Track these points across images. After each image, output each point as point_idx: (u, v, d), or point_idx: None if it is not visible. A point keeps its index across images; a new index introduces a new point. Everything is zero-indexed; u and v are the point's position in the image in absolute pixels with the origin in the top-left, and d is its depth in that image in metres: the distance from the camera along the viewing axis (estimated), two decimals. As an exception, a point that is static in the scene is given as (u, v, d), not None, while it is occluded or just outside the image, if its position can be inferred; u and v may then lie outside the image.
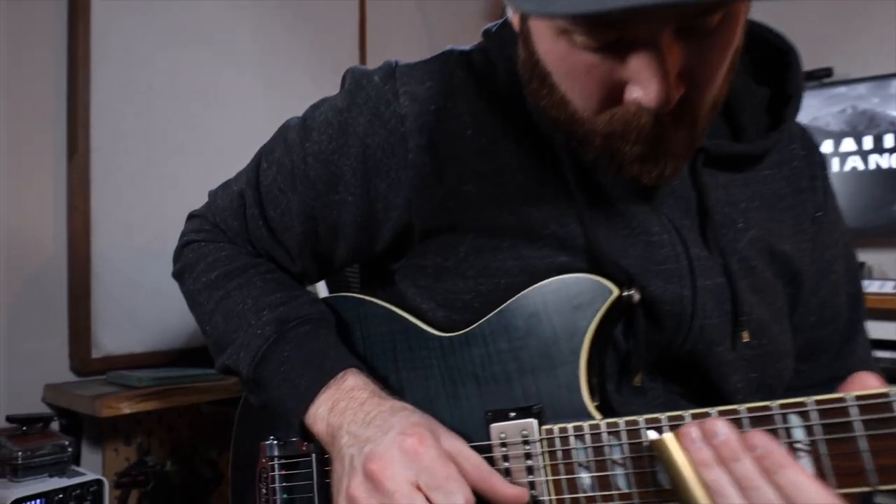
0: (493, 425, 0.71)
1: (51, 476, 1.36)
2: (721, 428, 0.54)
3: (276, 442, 0.84)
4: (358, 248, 0.85)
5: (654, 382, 0.75)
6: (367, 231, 0.83)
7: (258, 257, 0.91)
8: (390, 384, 0.80)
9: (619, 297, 0.68)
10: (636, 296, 0.69)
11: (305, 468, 0.82)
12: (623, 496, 0.62)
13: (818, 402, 0.54)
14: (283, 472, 0.84)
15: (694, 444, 0.55)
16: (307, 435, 0.78)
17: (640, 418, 0.62)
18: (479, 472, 0.66)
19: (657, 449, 0.57)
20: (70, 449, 1.41)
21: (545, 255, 0.73)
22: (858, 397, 0.52)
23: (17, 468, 1.33)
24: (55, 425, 1.60)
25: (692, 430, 0.56)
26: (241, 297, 0.85)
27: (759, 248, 0.77)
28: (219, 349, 0.86)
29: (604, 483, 0.63)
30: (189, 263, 0.92)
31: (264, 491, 0.85)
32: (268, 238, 0.88)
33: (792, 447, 0.54)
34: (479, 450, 0.71)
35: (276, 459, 0.84)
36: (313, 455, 0.81)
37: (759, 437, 0.54)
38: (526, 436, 0.68)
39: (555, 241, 0.73)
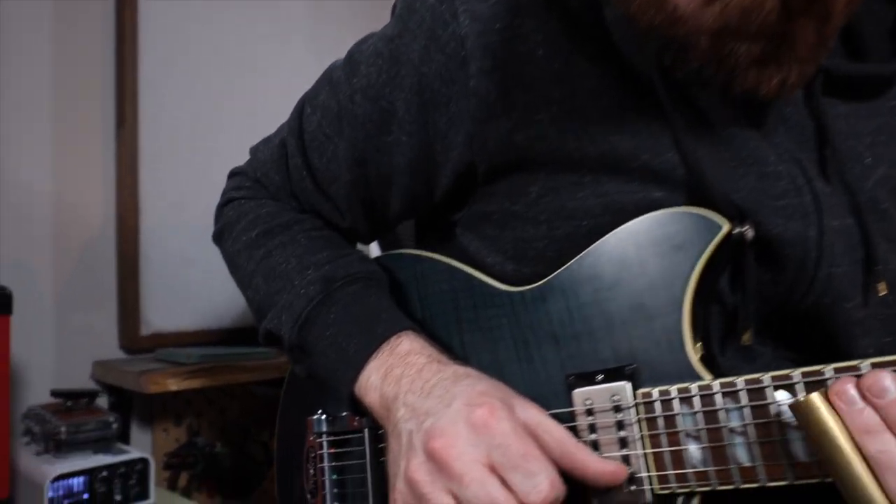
0: (577, 391, 0.60)
1: (95, 453, 1.30)
2: (891, 384, 0.42)
3: (324, 417, 0.76)
4: (414, 197, 0.75)
5: (764, 346, 0.63)
6: (424, 176, 0.73)
7: (303, 213, 0.82)
8: (453, 348, 0.70)
9: (730, 234, 0.56)
10: (750, 232, 0.57)
11: (357, 446, 0.73)
12: (745, 471, 0.50)
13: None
14: (333, 451, 0.75)
15: (853, 406, 0.43)
16: (358, 408, 0.68)
17: (765, 375, 0.50)
18: (563, 446, 0.55)
19: (800, 413, 0.44)
20: (115, 425, 1.35)
21: (635, 190, 0.61)
22: None
23: (60, 444, 1.27)
24: (103, 402, 1.56)
25: (848, 388, 0.43)
26: (285, 255, 0.76)
27: (891, 188, 0.64)
28: (261, 314, 0.77)
29: (719, 456, 0.51)
30: (229, 223, 0.84)
31: (312, 471, 0.76)
32: (313, 190, 0.79)
33: None
34: (561, 420, 0.61)
35: (324, 436, 0.75)
36: (365, 431, 0.72)
37: None
38: (617, 401, 0.57)
39: (647, 172, 0.61)
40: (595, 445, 0.58)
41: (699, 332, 0.59)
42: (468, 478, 0.51)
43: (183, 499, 1.46)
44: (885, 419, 0.42)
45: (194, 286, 1.75)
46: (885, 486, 0.42)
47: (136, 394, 1.64)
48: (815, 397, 0.43)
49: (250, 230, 0.80)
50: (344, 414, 0.74)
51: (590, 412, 0.59)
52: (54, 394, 1.41)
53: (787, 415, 0.48)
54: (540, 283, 0.65)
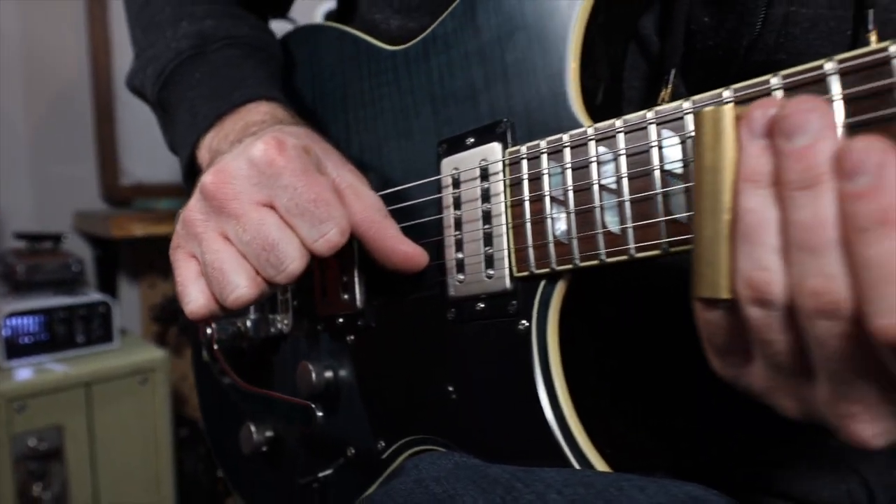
0: (445, 160, 0.49)
1: (56, 295, 1.27)
2: (813, 121, 0.27)
3: None
4: None
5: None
6: None
7: None
8: (338, 130, 0.59)
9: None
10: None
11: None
12: (612, 239, 0.38)
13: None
14: None
15: (750, 141, 0.29)
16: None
17: (649, 111, 0.37)
18: (369, 213, 0.47)
19: (700, 125, 0.31)
20: (77, 269, 1.31)
21: None
22: None
23: (17, 284, 1.24)
24: (86, 254, 1.52)
25: (758, 116, 0.29)
26: (162, 3, 0.65)
27: None
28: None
29: (584, 222, 0.39)
30: None
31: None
32: None
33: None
34: (426, 194, 0.50)
35: None
36: None
37: (874, 156, 0.27)
38: (485, 165, 0.45)
39: None
40: (458, 223, 0.47)
41: (601, 80, 0.45)
42: (245, 219, 0.44)
43: (150, 345, 1.43)
44: (777, 170, 0.28)
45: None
46: (736, 252, 0.29)
47: (122, 248, 1.60)
48: (727, 111, 0.30)
49: None
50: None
51: (456, 183, 0.47)
52: (17, 236, 1.37)
53: (671, 158, 0.36)
54: (422, 35, 0.52)
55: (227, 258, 0.45)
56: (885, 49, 0.28)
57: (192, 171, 0.59)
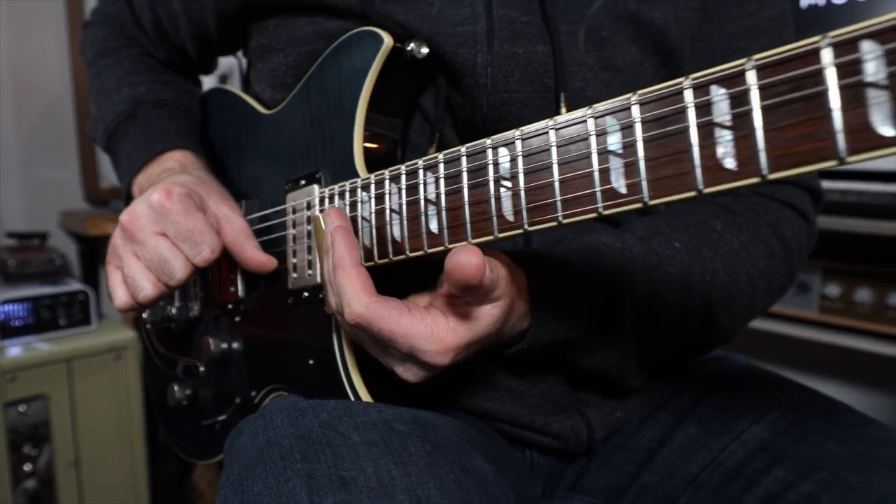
0: (289, 195, 0.70)
1: (41, 285, 1.48)
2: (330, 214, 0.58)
3: None
4: (198, 36, 0.82)
5: None
6: (199, 14, 0.79)
7: (131, 39, 0.91)
8: (231, 169, 0.80)
9: (395, 50, 0.62)
10: (420, 49, 0.63)
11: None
12: (367, 251, 0.59)
13: (523, 133, 0.48)
14: None
15: (327, 229, 0.57)
16: None
17: (402, 166, 0.57)
18: (236, 234, 0.67)
19: (314, 220, 0.57)
20: (60, 263, 1.53)
21: (334, 19, 0.68)
22: (557, 125, 0.46)
23: (9, 275, 1.45)
24: (71, 252, 1.73)
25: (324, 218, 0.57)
26: (109, 74, 0.86)
27: (617, 15, 0.66)
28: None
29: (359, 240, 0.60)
30: (82, 46, 0.94)
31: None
32: (131, 23, 0.88)
33: (497, 182, 0.49)
34: (278, 218, 0.71)
35: None
36: None
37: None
38: (310, 200, 0.66)
39: (333, 9, 0.67)
40: (294, 238, 0.68)
41: (387, 142, 0.66)
42: (147, 243, 0.64)
43: (125, 327, 1.64)
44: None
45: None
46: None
47: (102, 244, 1.81)
48: (319, 217, 0.58)
49: (88, 51, 0.91)
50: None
51: (294, 211, 0.68)
52: (9, 234, 1.59)
53: (431, 192, 0.54)
54: (279, 107, 0.73)
55: (137, 270, 0.66)
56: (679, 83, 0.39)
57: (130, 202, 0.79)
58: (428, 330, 0.51)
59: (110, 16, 0.90)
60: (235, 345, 0.77)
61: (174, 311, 0.85)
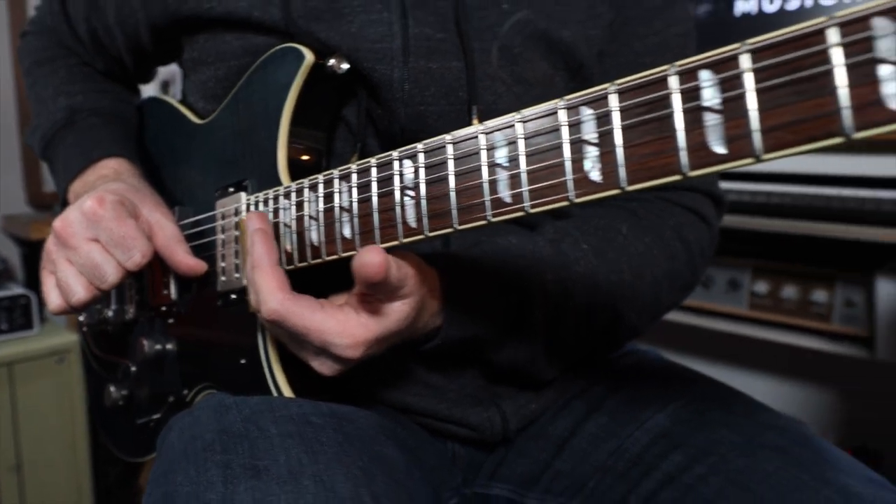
0: (218, 201, 0.73)
1: (-18, 290, 1.48)
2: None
3: None
4: (132, 48, 0.84)
5: None
6: (132, 28, 0.82)
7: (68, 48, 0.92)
8: (166, 175, 0.83)
9: (316, 65, 0.66)
10: (341, 65, 0.66)
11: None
12: (289, 255, 0.63)
13: (425, 144, 0.52)
14: None
15: (248, 231, 0.61)
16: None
17: (321, 175, 0.60)
18: (167, 240, 0.70)
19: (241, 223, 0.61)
20: (1, 266, 1.53)
21: (261, 34, 0.71)
22: (455, 139, 0.50)
23: (-52, 280, 1.45)
24: (14, 252, 1.72)
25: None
26: (46, 83, 0.88)
27: (528, 34, 0.70)
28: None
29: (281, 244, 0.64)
30: (19, 54, 0.96)
31: None
32: (67, 32, 0.89)
33: (403, 190, 0.53)
34: (208, 223, 0.74)
35: None
36: None
37: None
38: (237, 207, 0.70)
39: (261, 25, 0.70)
40: (224, 243, 0.71)
41: (312, 153, 0.69)
42: (79, 249, 0.66)
43: (67, 331, 1.65)
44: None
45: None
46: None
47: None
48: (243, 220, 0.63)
49: (25, 60, 0.92)
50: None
51: (223, 216, 0.71)
52: (-52, 238, 1.58)
53: (345, 200, 0.57)
54: (210, 117, 0.76)
55: (70, 275, 0.68)
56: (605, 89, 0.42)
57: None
58: (340, 325, 0.54)
59: (47, 27, 0.92)
60: (169, 346, 0.79)
61: (111, 313, 0.87)
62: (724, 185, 1.56)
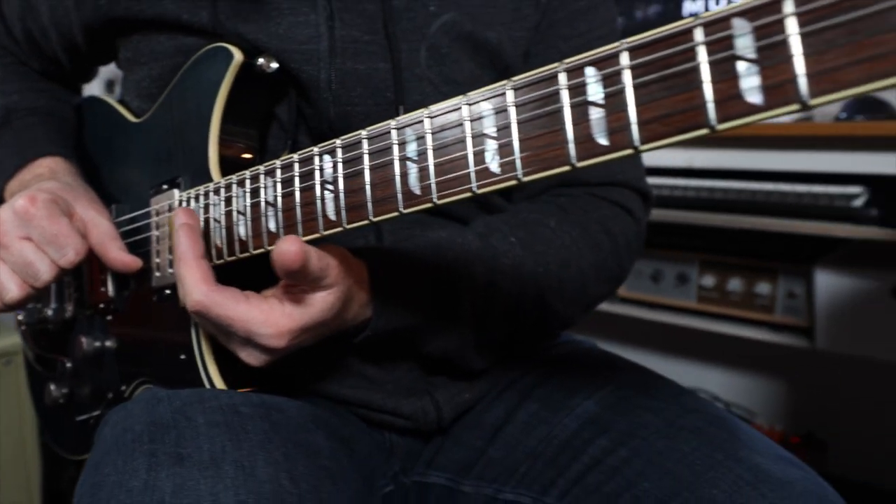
0: (153, 198, 0.74)
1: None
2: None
3: None
4: (68, 48, 0.85)
5: None
6: (67, 28, 0.82)
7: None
8: (103, 174, 0.83)
9: (246, 64, 0.67)
10: (269, 64, 0.68)
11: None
12: (219, 249, 0.64)
13: (343, 140, 0.54)
14: None
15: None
16: None
17: (234, 177, 0.62)
18: (101, 237, 0.70)
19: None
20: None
21: (192, 35, 0.72)
22: (370, 135, 0.52)
23: None
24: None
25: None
26: None
27: (455, 35, 0.73)
28: None
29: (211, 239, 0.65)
30: None
31: None
32: (1, 28, 0.89)
33: (323, 185, 0.55)
34: (143, 220, 0.74)
35: None
36: None
37: None
38: (171, 203, 0.71)
39: (190, 27, 0.71)
40: (158, 240, 0.72)
41: (244, 151, 0.71)
42: (12, 247, 0.67)
43: (14, 331, 1.63)
44: None
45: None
46: None
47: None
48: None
49: None
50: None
51: (158, 213, 0.72)
52: None
53: (270, 195, 0.59)
54: (145, 116, 0.77)
55: (3, 273, 0.68)
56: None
57: None
58: (263, 315, 0.56)
59: None
60: (108, 343, 0.80)
61: (50, 312, 0.87)
62: (671, 181, 1.61)
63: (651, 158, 1.60)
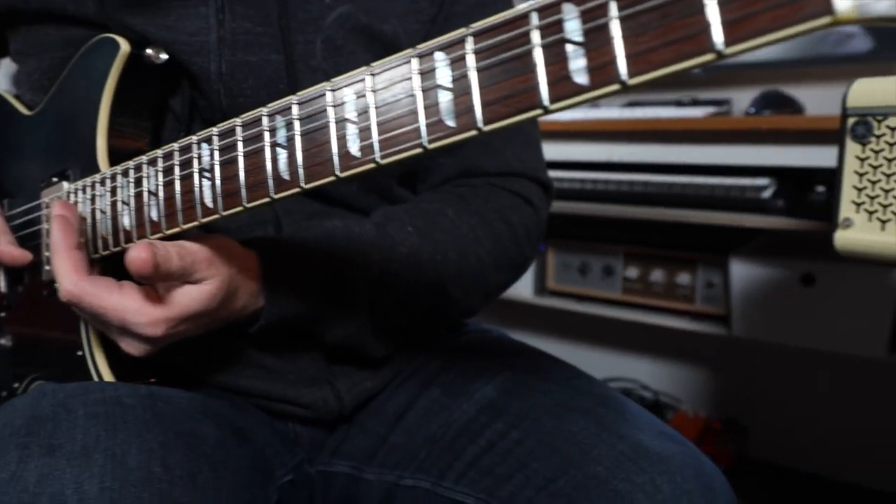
0: (43, 192, 0.72)
1: None
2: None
3: None
4: None
5: None
6: None
7: None
8: (5, 171, 0.82)
9: (134, 55, 0.67)
10: (158, 55, 0.68)
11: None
12: (105, 240, 0.64)
13: (219, 128, 0.54)
14: None
15: None
16: None
17: (118, 167, 0.62)
18: None
19: None
20: None
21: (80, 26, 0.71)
22: (244, 122, 0.52)
23: None
24: None
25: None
26: None
27: (350, 27, 0.74)
28: None
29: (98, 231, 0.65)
30: None
31: None
32: None
33: (201, 173, 0.55)
34: (34, 213, 0.73)
35: None
36: None
37: None
38: (59, 196, 0.70)
39: (76, 18, 0.70)
40: (48, 232, 0.71)
41: (136, 141, 0.70)
42: None
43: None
44: None
45: None
46: None
47: None
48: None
49: None
50: None
51: (47, 206, 0.71)
52: None
53: (152, 185, 0.59)
54: (37, 109, 0.76)
55: None
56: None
57: None
58: (136, 304, 0.56)
59: None
60: (2, 340, 0.78)
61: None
62: (594, 175, 1.64)
63: (572, 153, 1.64)
